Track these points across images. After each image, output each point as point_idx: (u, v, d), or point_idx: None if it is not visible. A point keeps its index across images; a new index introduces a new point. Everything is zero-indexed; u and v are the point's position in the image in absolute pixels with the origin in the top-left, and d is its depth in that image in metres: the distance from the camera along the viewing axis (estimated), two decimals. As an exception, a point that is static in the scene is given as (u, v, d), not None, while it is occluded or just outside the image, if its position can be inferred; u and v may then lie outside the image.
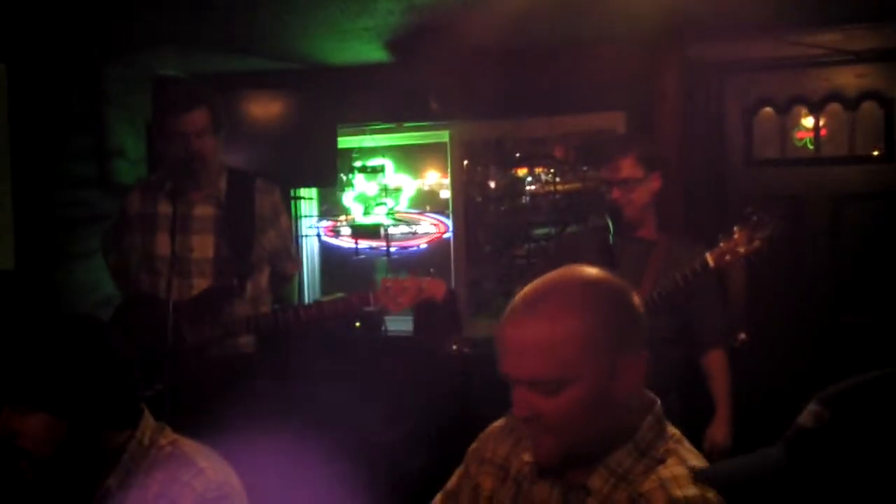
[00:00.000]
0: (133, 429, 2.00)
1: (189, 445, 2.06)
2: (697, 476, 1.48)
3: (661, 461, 1.58)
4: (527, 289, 1.62)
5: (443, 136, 5.59)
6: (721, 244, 3.17)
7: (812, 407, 1.25)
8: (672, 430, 1.67)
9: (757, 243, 3.13)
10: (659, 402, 1.68)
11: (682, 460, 1.59)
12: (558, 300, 1.57)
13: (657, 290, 3.25)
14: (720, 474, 1.42)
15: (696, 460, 1.61)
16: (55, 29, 4.33)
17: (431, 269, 3.47)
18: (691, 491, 1.52)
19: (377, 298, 3.39)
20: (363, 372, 4.51)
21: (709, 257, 3.16)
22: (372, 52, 4.98)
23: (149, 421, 2.05)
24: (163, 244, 3.50)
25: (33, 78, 4.60)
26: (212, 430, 2.43)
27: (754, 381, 4.19)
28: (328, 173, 5.20)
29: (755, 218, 3.14)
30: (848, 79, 4.69)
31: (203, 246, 3.55)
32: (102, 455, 1.96)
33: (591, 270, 1.64)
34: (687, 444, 1.66)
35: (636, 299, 1.63)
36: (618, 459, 1.59)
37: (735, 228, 3.16)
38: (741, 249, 3.14)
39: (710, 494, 1.50)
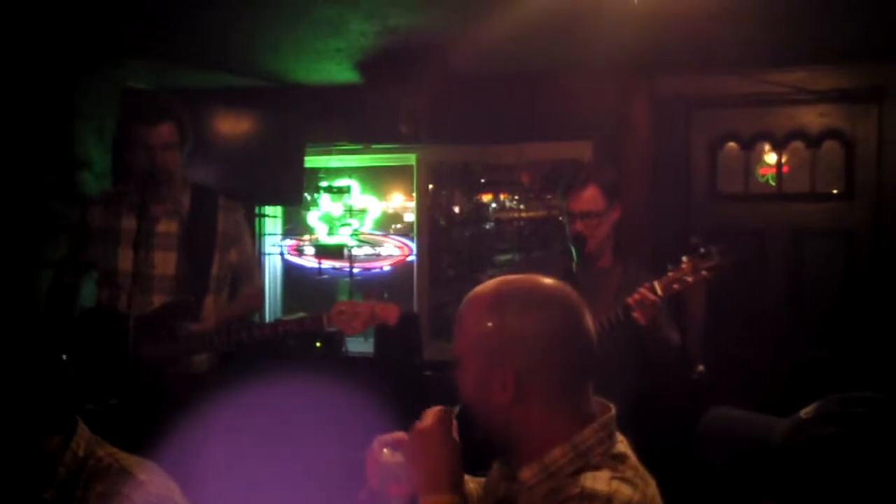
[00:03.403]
0: (64, 437, 1.97)
1: (128, 459, 2.04)
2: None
3: (595, 468, 1.60)
4: (492, 279, 1.79)
5: (410, 158, 5.61)
6: (669, 273, 3.19)
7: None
8: (622, 446, 1.68)
9: (704, 273, 3.15)
10: (612, 411, 1.70)
11: (613, 470, 1.61)
12: (477, 297, 1.73)
13: (607, 316, 3.26)
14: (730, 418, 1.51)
15: (634, 475, 1.62)
16: (27, 41, 4.30)
17: (385, 294, 3.47)
18: (601, 486, 1.55)
19: (331, 320, 3.38)
20: (322, 392, 4.49)
21: (657, 285, 3.18)
22: (342, 73, 4.98)
23: (84, 432, 2.03)
24: (125, 259, 3.46)
25: (3, 88, 4.56)
26: (164, 446, 2.41)
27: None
28: (294, 192, 5.19)
29: (702, 249, 3.17)
30: (811, 117, 4.77)
31: (165, 262, 3.51)
32: (30, 465, 1.92)
33: (526, 285, 1.75)
34: (631, 462, 1.66)
35: (553, 320, 1.67)
36: (554, 457, 1.63)
37: (683, 258, 3.19)
38: (689, 279, 3.16)
39: (623, 493, 1.54)
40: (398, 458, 1.76)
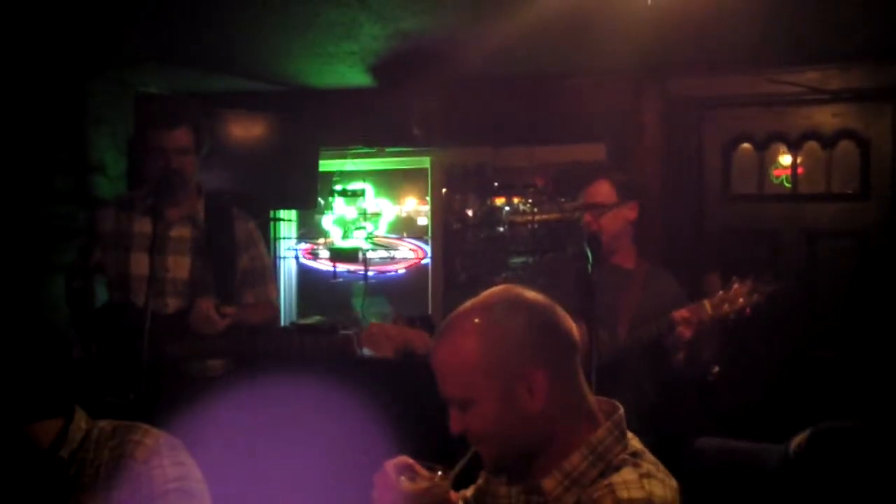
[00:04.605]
0: (65, 420, 2.03)
1: (130, 422, 2.14)
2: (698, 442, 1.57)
3: (617, 469, 1.61)
4: (453, 311, 1.72)
5: (424, 162, 5.62)
6: (720, 293, 3.18)
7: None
8: (635, 443, 1.69)
9: (756, 297, 3.15)
10: (621, 409, 1.71)
11: (636, 467, 1.61)
12: (460, 327, 1.67)
13: (643, 333, 3.25)
14: (724, 449, 1.51)
15: (656, 469, 1.63)
16: (39, 44, 4.33)
17: (418, 322, 3.47)
18: (637, 493, 1.55)
19: (361, 343, 3.39)
20: (337, 393, 4.50)
21: (706, 304, 3.17)
22: (355, 77, 5.00)
23: (82, 413, 2.09)
24: (138, 263, 3.46)
25: (15, 92, 4.59)
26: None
27: (726, 413, 4.21)
28: (308, 196, 5.20)
29: (759, 278, 3.17)
30: (825, 117, 4.75)
31: (178, 266, 3.52)
32: (32, 447, 1.96)
33: (505, 293, 1.72)
34: (648, 456, 1.67)
35: (544, 318, 1.67)
36: (573, 463, 1.63)
37: (734, 278, 3.18)
38: (741, 301, 3.16)
39: (657, 494, 1.55)
40: (417, 485, 1.72)
